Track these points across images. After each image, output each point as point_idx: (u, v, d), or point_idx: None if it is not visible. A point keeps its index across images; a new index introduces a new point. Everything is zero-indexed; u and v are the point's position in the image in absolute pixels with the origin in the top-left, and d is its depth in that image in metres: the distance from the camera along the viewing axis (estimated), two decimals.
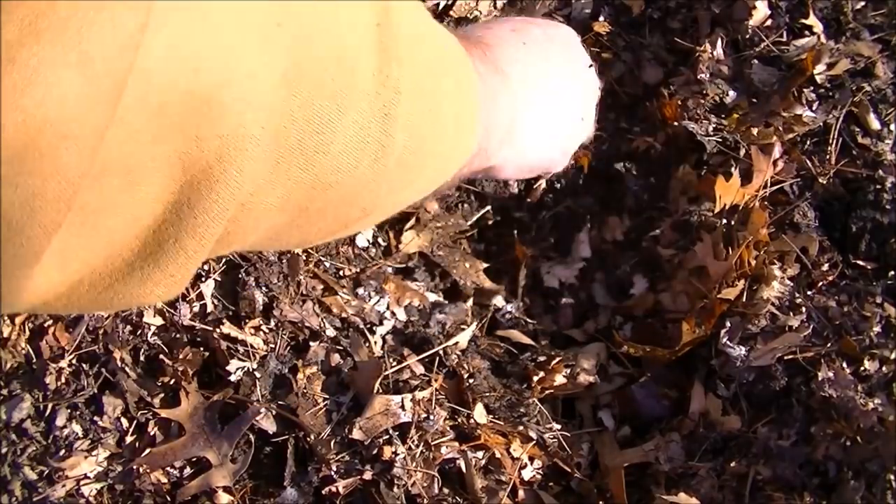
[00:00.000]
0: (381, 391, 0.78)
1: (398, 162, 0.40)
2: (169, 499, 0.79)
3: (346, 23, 0.35)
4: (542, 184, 0.97)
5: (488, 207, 0.97)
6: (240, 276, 0.84)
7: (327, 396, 0.80)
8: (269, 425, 0.79)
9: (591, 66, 0.71)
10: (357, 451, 0.77)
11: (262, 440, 0.80)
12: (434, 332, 0.84)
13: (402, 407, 0.77)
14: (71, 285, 0.30)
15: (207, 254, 0.33)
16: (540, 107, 0.63)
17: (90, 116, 0.25)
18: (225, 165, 0.30)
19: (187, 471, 0.80)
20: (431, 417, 0.78)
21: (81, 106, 0.24)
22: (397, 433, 0.77)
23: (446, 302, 0.89)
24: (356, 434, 0.76)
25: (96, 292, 0.31)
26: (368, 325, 0.84)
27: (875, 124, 0.87)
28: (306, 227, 0.41)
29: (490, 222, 0.98)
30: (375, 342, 0.83)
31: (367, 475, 0.76)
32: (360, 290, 0.86)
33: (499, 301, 0.91)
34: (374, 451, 0.76)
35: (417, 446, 0.77)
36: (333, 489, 0.76)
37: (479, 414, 0.80)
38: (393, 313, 0.86)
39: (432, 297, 0.90)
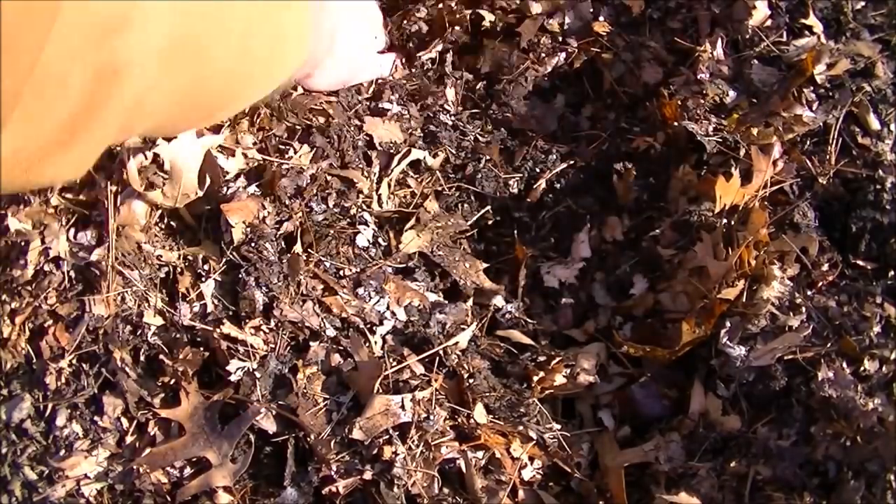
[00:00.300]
0: (381, 391, 0.78)
1: (257, 62, 0.55)
2: (169, 499, 0.79)
3: None
4: (542, 184, 0.97)
5: (488, 207, 0.97)
6: (240, 276, 0.84)
7: (327, 396, 0.80)
8: (270, 425, 0.79)
9: None
10: (357, 451, 0.77)
11: (263, 440, 0.80)
12: (434, 332, 0.84)
13: (402, 407, 0.77)
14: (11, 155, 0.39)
15: (112, 139, 0.43)
16: (352, 22, 0.85)
17: (28, 36, 0.34)
18: (129, 69, 0.39)
19: (188, 471, 0.80)
20: (431, 417, 0.78)
21: (21, 27, 0.33)
22: (397, 433, 0.77)
23: (446, 302, 0.89)
24: (356, 434, 0.76)
25: (28, 165, 0.40)
26: (369, 325, 0.84)
27: (875, 124, 0.87)
28: (190, 114, 0.56)
29: (490, 222, 0.98)
30: (375, 342, 0.83)
31: (368, 475, 0.76)
32: (361, 290, 0.86)
33: (499, 301, 0.91)
34: (375, 451, 0.76)
35: (417, 446, 0.77)
36: (333, 489, 0.76)
37: (479, 414, 0.80)
38: (393, 313, 0.86)
39: (432, 297, 0.90)
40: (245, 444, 0.80)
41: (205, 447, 0.79)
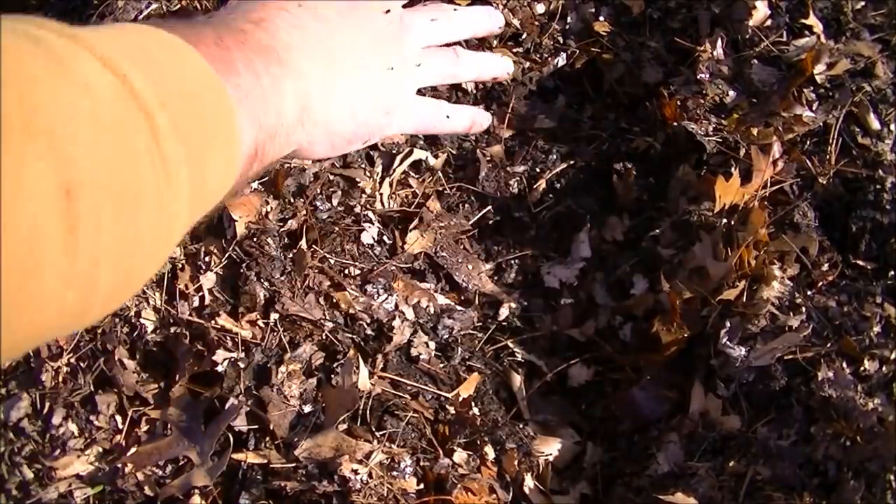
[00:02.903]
0: (346, 425, 0.78)
1: (106, 298, 0.40)
2: (151, 496, 0.79)
3: (20, 211, 0.34)
4: (542, 184, 0.97)
5: (489, 207, 0.97)
6: (241, 271, 0.84)
7: (299, 401, 0.79)
8: (241, 421, 0.79)
9: (387, 10, 0.67)
10: (309, 465, 0.77)
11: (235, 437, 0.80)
12: (435, 372, 0.84)
13: (352, 459, 0.76)
14: None
15: None
16: (330, 80, 0.60)
17: None
18: None
19: (169, 469, 0.80)
20: (371, 480, 0.76)
21: None
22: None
23: (454, 305, 0.89)
24: (299, 451, 0.76)
25: None
26: (376, 327, 0.84)
27: (875, 124, 0.87)
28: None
29: (490, 222, 0.98)
30: (371, 368, 0.83)
31: (320, 490, 0.75)
32: (369, 287, 0.86)
33: (503, 312, 0.92)
34: (330, 469, 0.76)
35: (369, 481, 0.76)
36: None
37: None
38: (401, 312, 0.86)
39: (442, 299, 0.90)
40: (224, 442, 0.80)
41: (189, 447, 0.79)
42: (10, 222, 0.32)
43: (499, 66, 0.74)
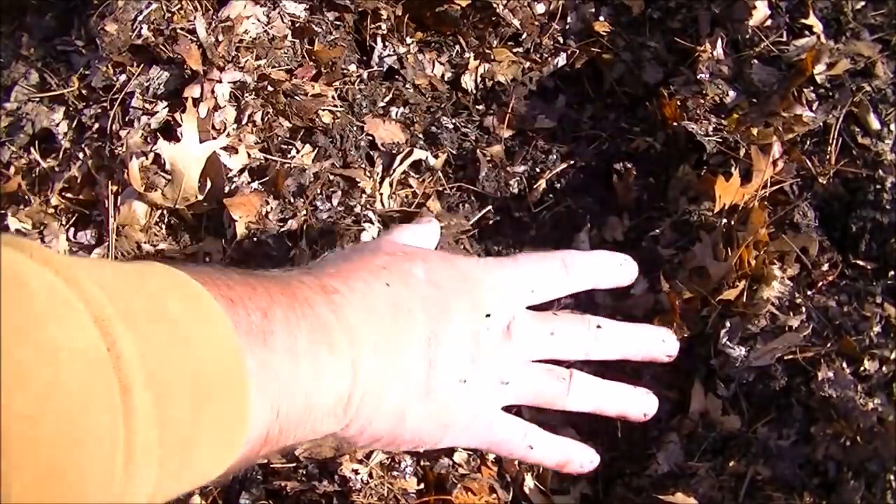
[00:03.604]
0: None
1: None
2: None
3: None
4: (543, 184, 0.97)
5: (489, 207, 0.97)
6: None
7: None
8: None
9: (488, 315, 0.57)
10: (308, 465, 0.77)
11: None
12: None
13: (352, 459, 0.76)
14: None
15: None
16: (384, 378, 0.52)
17: None
18: None
19: None
20: (371, 481, 0.75)
21: None
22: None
23: None
24: (299, 451, 0.75)
25: None
26: None
27: (875, 124, 0.87)
28: None
29: (490, 222, 0.98)
30: None
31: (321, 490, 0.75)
32: None
33: None
34: (330, 469, 0.76)
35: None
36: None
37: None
38: None
39: None
40: None
41: None
42: None
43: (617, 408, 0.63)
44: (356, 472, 0.75)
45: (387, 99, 1.02)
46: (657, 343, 0.66)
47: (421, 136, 0.98)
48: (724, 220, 0.86)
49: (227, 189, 0.88)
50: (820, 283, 0.82)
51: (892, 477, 0.69)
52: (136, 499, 0.36)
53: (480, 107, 1.03)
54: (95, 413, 0.33)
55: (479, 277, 0.59)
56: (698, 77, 0.93)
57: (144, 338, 0.37)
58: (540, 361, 0.61)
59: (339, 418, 0.51)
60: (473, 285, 0.58)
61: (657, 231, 0.91)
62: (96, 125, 0.95)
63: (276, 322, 0.45)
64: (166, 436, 0.37)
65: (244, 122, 0.92)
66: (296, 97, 0.93)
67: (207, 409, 0.40)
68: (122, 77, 0.96)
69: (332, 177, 0.91)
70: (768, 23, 0.94)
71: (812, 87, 0.89)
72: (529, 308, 0.62)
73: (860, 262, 0.83)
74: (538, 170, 0.98)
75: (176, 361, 0.39)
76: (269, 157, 0.90)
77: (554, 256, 0.65)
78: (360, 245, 0.66)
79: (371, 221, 0.90)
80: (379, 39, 1.03)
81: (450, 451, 0.80)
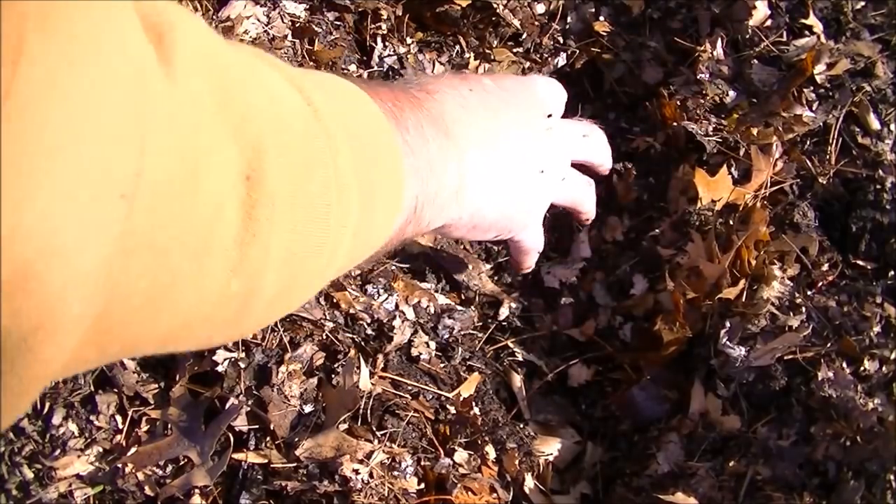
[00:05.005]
0: (346, 425, 0.77)
1: (267, 303, 0.38)
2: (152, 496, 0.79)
3: (205, 188, 0.32)
4: None
5: None
6: None
7: (301, 401, 0.79)
8: (241, 421, 0.79)
9: (549, 115, 0.66)
10: (310, 465, 0.76)
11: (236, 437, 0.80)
12: (435, 374, 0.84)
13: (352, 459, 0.76)
14: None
15: (36, 393, 0.31)
16: (489, 165, 0.59)
17: None
18: (40, 338, 0.28)
19: (169, 469, 0.80)
20: (372, 480, 0.76)
21: None
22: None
23: (454, 305, 0.89)
24: (300, 451, 0.76)
25: None
26: (376, 327, 0.84)
27: (875, 124, 0.87)
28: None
29: None
30: (372, 368, 0.82)
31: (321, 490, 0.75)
32: (369, 288, 0.86)
33: (503, 311, 0.92)
34: (330, 468, 0.76)
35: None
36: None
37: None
38: (402, 312, 0.86)
39: (442, 299, 0.90)
40: (224, 442, 0.80)
41: (189, 447, 0.79)
42: (199, 199, 0.31)
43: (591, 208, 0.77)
44: (356, 471, 0.75)
45: None
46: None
47: None
48: (720, 220, 0.86)
49: None
50: (820, 283, 0.82)
51: (892, 477, 0.69)
52: (341, 250, 0.40)
53: None
54: (317, 153, 0.37)
55: (531, 85, 0.68)
56: (698, 77, 0.93)
57: (329, 100, 0.41)
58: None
59: (459, 203, 0.57)
60: (532, 91, 0.67)
61: (657, 231, 0.91)
62: None
63: (405, 110, 0.51)
64: (360, 191, 0.41)
65: None
66: None
67: (376, 172, 0.45)
68: None
69: None
70: (768, 23, 0.94)
71: (812, 87, 0.89)
72: None
73: (860, 262, 0.83)
74: None
75: (352, 126, 0.43)
76: None
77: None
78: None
79: None
80: (379, 39, 1.03)
81: (450, 452, 0.80)
